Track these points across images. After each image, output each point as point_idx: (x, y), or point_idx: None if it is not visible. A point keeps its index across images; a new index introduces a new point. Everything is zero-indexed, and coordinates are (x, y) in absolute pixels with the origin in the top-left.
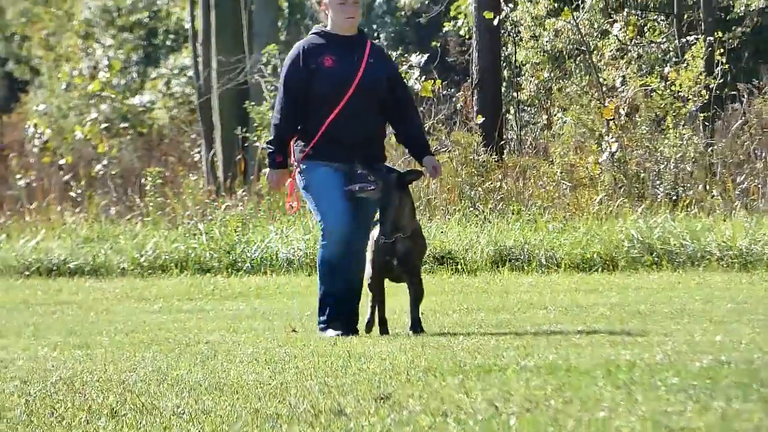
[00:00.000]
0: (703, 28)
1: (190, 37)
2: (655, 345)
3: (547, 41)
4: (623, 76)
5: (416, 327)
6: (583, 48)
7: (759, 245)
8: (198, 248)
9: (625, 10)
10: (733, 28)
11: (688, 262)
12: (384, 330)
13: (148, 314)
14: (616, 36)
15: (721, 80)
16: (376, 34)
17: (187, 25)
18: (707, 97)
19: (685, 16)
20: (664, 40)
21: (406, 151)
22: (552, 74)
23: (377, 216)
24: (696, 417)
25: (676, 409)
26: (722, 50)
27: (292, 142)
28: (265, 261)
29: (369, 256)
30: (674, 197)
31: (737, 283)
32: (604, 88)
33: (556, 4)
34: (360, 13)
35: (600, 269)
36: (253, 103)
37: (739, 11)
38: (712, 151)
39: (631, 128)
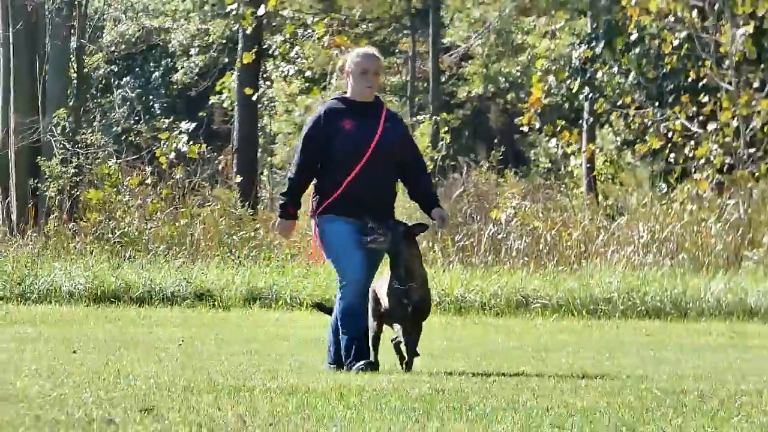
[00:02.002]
0: (431, 109)
1: None
2: (381, 373)
3: (298, 115)
4: None
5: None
6: None
7: (471, 293)
8: None
9: None
10: (456, 111)
11: None
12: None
13: None
14: None
15: (445, 154)
16: (151, 104)
17: None
18: (432, 167)
19: (416, 99)
20: None
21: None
22: None
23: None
24: None
25: (397, 428)
26: (446, 129)
27: (311, 197)
28: (50, 292)
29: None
30: None
31: (452, 325)
32: None
33: (306, 84)
34: (378, 82)
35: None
36: (44, 158)
37: (462, 96)
38: None
39: None
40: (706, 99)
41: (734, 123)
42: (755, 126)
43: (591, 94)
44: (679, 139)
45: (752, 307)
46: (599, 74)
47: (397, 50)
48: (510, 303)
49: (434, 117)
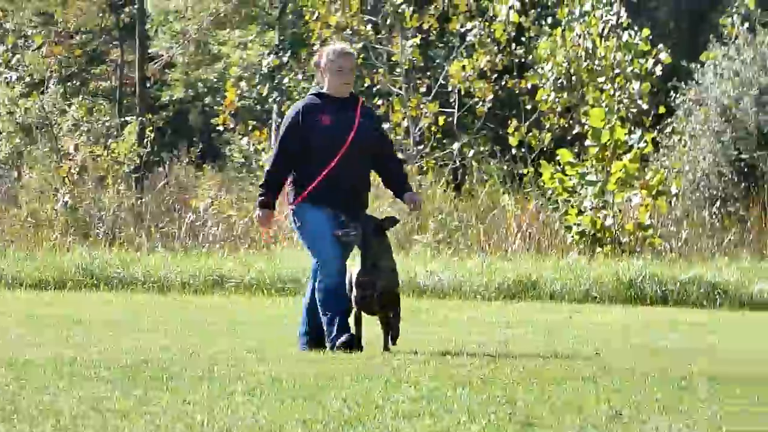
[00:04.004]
0: (138, 111)
1: None
2: (91, 345)
3: (20, 116)
4: (76, 145)
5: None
6: (47, 122)
7: (173, 274)
8: None
9: (80, 95)
10: (160, 112)
11: (120, 285)
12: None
13: None
14: (73, 114)
15: (149, 150)
16: None
17: None
18: (139, 162)
19: (125, 102)
20: (108, 118)
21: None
22: (22, 141)
23: None
24: (119, 402)
25: (105, 395)
26: (151, 128)
27: (287, 187)
28: None
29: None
30: (112, 236)
31: (156, 302)
32: (62, 153)
33: (27, 89)
34: (353, 79)
35: (53, 288)
36: None
37: (165, 100)
38: (141, 202)
39: (81, 183)
40: (380, 102)
41: (405, 123)
42: (422, 126)
43: (279, 98)
44: None
45: (422, 285)
46: (286, 80)
47: (107, 59)
48: (207, 282)
49: (140, 118)
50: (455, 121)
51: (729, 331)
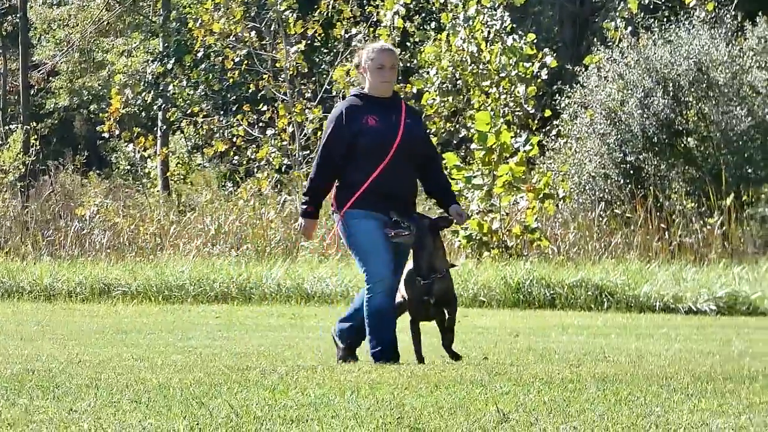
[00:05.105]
0: (22, 119)
1: None
2: None
3: None
4: None
5: (455, 356)
6: None
7: (59, 282)
8: None
9: None
10: (45, 120)
11: (6, 294)
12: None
13: None
14: None
15: (35, 158)
16: None
17: None
18: (24, 170)
19: (9, 110)
20: None
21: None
22: None
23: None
24: (5, 411)
25: None
26: (36, 136)
27: (333, 193)
28: None
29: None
30: None
31: (42, 311)
32: None
33: None
34: (395, 77)
35: None
36: None
37: (50, 107)
38: (27, 211)
39: None
40: (265, 108)
41: (290, 129)
42: (308, 131)
43: (164, 105)
44: (242, 143)
45: (308, 291)
46: (171, 87)
47: None
48: (94, 290)
49: (25, 126)
50: None
51: (616, 334)
